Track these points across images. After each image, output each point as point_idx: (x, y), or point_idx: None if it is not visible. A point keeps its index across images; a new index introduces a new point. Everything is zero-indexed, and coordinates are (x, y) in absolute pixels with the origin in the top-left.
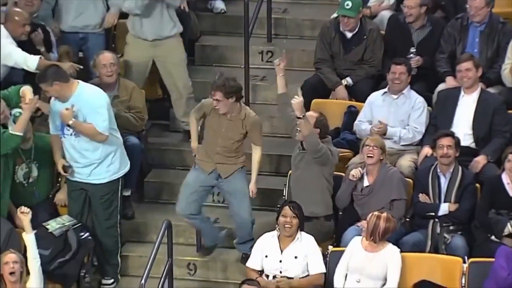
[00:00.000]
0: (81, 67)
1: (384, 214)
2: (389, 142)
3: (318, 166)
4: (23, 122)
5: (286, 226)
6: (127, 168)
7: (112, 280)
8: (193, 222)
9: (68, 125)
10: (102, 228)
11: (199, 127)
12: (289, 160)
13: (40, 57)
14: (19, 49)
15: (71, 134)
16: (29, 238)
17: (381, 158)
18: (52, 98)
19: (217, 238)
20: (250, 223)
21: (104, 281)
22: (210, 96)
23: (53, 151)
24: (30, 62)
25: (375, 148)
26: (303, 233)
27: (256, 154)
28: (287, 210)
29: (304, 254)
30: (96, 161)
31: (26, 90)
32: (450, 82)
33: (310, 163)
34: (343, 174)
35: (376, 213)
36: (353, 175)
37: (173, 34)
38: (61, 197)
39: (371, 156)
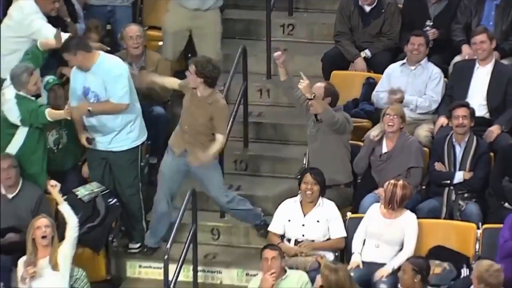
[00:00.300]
0: (109, 48)
1: (400, 182)
2: (406, 111)
3: (336, 135)
4: (58, 115)
5: (307, 192)
6: (145, 136)
7: (138, 245)
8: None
9: (89, 111)
10: (126, 195)
11: (167, 84)
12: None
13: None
14: (49, 25)
15: (93, 102)
16: (64, 208)
17: (401, 126)
18: (73, 69)
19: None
20: (225, 204)
21: (130, 245)
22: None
23: (76, 124)
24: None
25: (396, 117)
26: (324, 199)
27: (217, 141)
28: (308, 177)
29: (325, 218)
30: (116, 129)
31: (46, 41)
32: (466, 50)
33: (328, 133)
34: (361, 144)
35: (392, 181)
36: (374, 136)
37: (215, 6)
38: (86, 169)
39: (391, 125)
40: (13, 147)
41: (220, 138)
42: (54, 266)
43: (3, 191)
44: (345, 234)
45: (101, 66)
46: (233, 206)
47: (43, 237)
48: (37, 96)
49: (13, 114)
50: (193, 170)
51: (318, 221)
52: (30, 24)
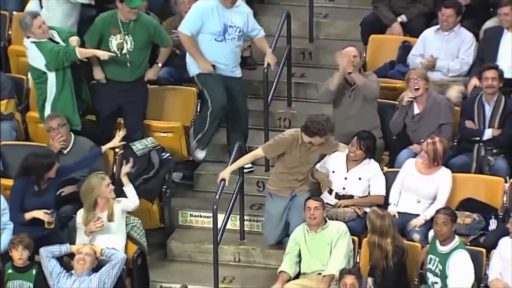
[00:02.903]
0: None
1: (437, 139)
2: (439, 74)
3: (372, 99)
4: (88, 53)
5: (351, 153)
6: None
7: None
8: None
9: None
10: (245, 109)
11: None
12: None
13: None
14: None
15: (232, 39)
16: (128, 189)
17: (427, 87)
18: (209, 6)
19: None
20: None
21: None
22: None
23: (192, 53)
24: None
25: (419, 79)
26: (371, 161)
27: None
28: (354, 141)
29: (368, 177)
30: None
31: (74, 39)
32: None
33: (364, 99)
34: (396, 103)
35: (429, 140)
36: (407, 100)
37: None
38: (149, 75)
39: (417, 88)
40: (50, 98)
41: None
42: (110, 217)
43: (58, 148)
44: (384, 193)
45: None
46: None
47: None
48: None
49: (38, 61)
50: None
51: (360, 178)
52: None
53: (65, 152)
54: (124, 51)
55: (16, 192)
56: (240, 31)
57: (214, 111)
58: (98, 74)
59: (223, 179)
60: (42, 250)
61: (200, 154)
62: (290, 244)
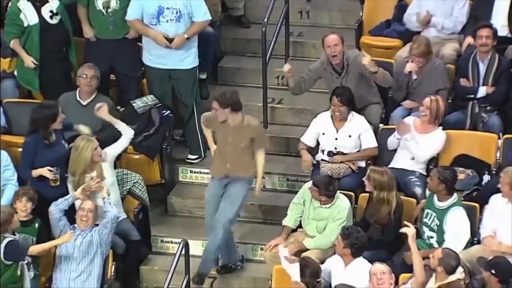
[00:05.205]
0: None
1: (438, 96)
2: (433, 31)
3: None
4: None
5: (336, 113)
6: None
7: (196, 156)
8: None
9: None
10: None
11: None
12: None
13: None
14: None
15: (168, 21)
16: (120, 125)
17: (427, 60)
18: None
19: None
20: (222, 229)
21: (189, 156)
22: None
23: (144, 32)
24: None
25: (420, 58)
26: (354, 114)
27: (261, 156)
28: (334, 99)
29: (358, 133)
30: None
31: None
32: None
33: (357, 76)
34: (392, 61)
35: (432, 97)
36: (410, 70)
37: None
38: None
39: (421, 66)
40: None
41: (262, 153)
42: (100, 175)
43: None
44: (376, 144)
45: None
46: (226, 227)
47: (99, 155)
48: None
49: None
50: (228, 187)
51: (350, 136)
52: None
53: (84, 103)
54: (110, 9)
55: (27, 148)
56: (177, 12)
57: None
58: (88, 32)
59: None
60: (53, 208)
61: None
62: (297, 197)
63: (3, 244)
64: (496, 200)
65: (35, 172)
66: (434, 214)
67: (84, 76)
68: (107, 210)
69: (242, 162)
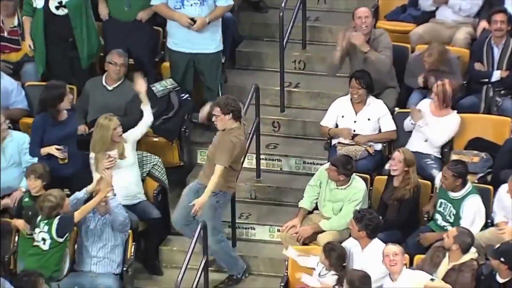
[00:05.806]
0: None
1: (446, 80)
2: (450, 12)
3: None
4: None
5: (354, 95)
6: None
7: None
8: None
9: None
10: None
11: None
12: None
13: None
14: None
15: (192, 5)
16: (146, 108)
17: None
18: None
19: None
20: (212, 242)
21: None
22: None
23: (169, 16)
24: None
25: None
26: (373, 98)
27: (214, 173)
28: (353, 82)
29: (377, 116)
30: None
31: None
32: None
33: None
34: (408, 46)
35: (439, 82)
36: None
37: None
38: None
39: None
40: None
41: (218, 169)
42: (121, 156)
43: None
44: (395, 127)
45: None
46: (216, 238)
47: (119, 135)
48: None
49: None
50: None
51: (369, 119)
52: None
53: (110, 88)
54: None
55: (35, 127)
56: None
57: None
58: (102, 10)
59: None
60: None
61: None
62: (314, 180)
63: (55, 223)
64: (504, 190)
65: (43, 150)
66: (449, 204)
67: (114, 63)
68: (112, 198)
69: (211, 172)
